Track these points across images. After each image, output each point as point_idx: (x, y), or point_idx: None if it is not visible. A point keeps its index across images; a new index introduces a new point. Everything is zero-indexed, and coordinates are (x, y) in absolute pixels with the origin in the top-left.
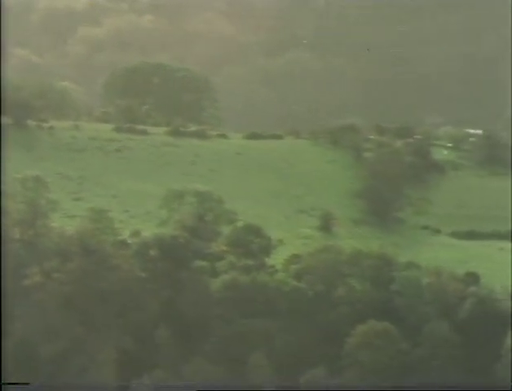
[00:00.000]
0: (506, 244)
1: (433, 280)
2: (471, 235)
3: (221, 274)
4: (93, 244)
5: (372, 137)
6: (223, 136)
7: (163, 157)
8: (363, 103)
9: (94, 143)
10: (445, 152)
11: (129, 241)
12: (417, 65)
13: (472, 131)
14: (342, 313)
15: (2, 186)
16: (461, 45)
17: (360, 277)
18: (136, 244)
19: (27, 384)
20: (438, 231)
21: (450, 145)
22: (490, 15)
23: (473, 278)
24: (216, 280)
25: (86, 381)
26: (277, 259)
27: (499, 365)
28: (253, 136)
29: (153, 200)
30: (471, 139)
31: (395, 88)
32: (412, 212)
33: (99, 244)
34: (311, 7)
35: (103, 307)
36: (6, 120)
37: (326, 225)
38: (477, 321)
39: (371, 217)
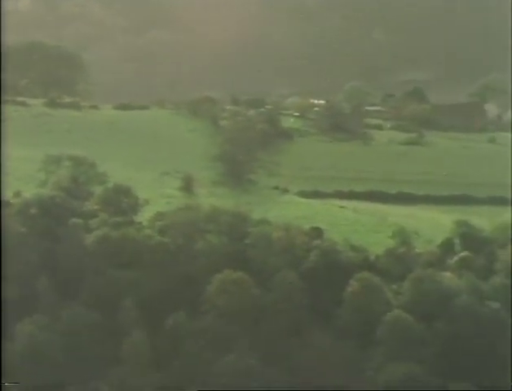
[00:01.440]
0: (347, 203)
1: (282, 234)
2: (315, 195)
3: (94, 230)
4: None
5: (227, 107)
6: (95, 107)
7: (42, 126)
8: (219, 76)
9: None
10: (292, 121)
11: (11, 201)
12: (265, 42)
13: (316, 101)
14: (202, 264)
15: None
16: (304, 22)
17: (218, 232)
18: (18, 204)
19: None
20: (286, 191)
21: (297, 114)
22: None
23: (317, 232)
24: (90, 235)
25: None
26: (144, 216)
27: (341, 307)
28: (122, 107)
29: (33, 164)
30: (315, 109)
31: (248, 63)
32: (264, 174)
33: None
34: None
35: None
36: None
37: (187, 186)
38: (321, 270)
39: (227, 178)
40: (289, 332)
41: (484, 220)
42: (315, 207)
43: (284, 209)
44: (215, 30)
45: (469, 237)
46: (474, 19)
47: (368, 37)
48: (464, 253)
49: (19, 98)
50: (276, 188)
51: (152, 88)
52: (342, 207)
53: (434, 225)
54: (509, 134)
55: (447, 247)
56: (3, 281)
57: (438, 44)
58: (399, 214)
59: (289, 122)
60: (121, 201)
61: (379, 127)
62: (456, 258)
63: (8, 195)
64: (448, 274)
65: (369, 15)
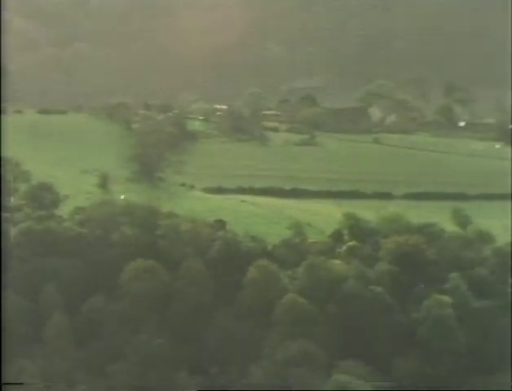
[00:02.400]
0: (247, 197)
1: (189, 226)
2: (219, 190)
3: (19, 223)
4: None
5: (139, 112)
6: (19, 112)
7: None
8: (133, 84)
9: None
10: (197, 124)
11: None
12: (173, 54)
13: (219, 106)
14: (117, 253)
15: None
16: (206, 35)
17: (131, 224)
18: None
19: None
20: (192, 187)
21: (201, 118)
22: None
23: (220, 224)
24: (15, 228)
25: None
26: (65, 210)
27: (242, 292)
28: (45, 111)
29: None
30: (218, 113)
31: (158, 72)
32: (172, 172)
33: None
34: (87, 8)
35: None
36: None
37: (104, 183)
38: (224, 259)
39: (139, 176)
40: (196, 314)
41: (370, 213)
42: (218, 201)
43: (190, 204)
44: (129, 44)
45: (356, 228)
46: (362, 32)
47: (264, 48)
48: (352, 243)
49: None
50: (183, 185)
51: (72, 94)
52: (242, 201)
53: (325, 217)
54: (392, 135)
55: (337, 237)
56: None
57: (328, 54)
58: (294, 208)
59: (194, 125)
60: (44, 197)
61: (275, 129)
62: (344, 247)
63: None
64: (337, 262)
65: (265, 29)
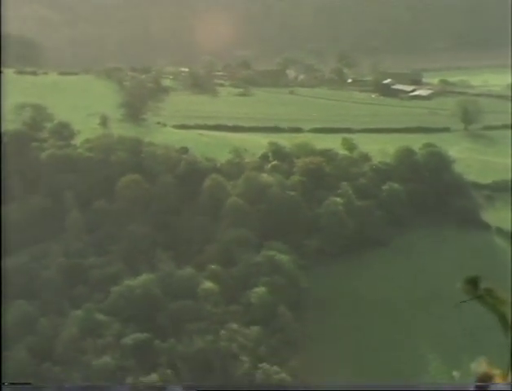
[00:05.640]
0: (203, 131)
1: (163, 151)
2: (183, 127)
3: (46, 150)
4: None
5: (129, 73)
6: (46, 73)
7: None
8: (124, 54)
9: None
10: (169, 81)
11: None
12: (151, 33)
13: (183, 69)
14: (113, 170)
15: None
16: (182, 20)
17: (124, 150)
18: None
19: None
20: (165, 125)
21: (171, 77)
22: None
23: (184, 150)
24: (43, 153)
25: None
26: (78, 141)
27: (200, 196)
28: (63, 73)
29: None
30: (183, 74)
31: (140, 45)
32: (151, 114)
33: None
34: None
35: None
36: None
37: (104, 122)
38: (187, 174)
39: (128, 118)
40: (169, 212)
41: (287, 141)
42: (183, 134)
43: (163, 136)
44: (120, 26)
45: (277, 152)
46: (278, 16)
47: (214, 27)
48: (274, 162)
49: None
50: (159, 123)
51: (81, 60)
52: (200, 134)
53: (256, 144)
54: (302, 89)
55: (264, 158)
56: None
57: (256, 32)
58: (235, 138)
59: (166, 82)
60: (63, 132)
61: (222, 85)
62: (269, 165)
63: None
64: (265, 175)
65: (213, 16)
